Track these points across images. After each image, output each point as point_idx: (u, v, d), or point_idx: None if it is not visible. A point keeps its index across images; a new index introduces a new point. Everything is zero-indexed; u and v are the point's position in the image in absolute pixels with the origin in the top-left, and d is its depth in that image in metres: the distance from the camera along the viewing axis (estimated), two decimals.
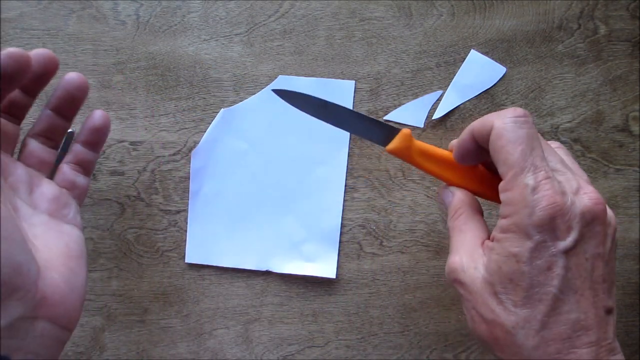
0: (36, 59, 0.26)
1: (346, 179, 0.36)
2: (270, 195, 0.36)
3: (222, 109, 0.36)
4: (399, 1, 0.36)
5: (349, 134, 0.36)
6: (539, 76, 0.36)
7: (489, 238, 0.26)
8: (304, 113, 0.30)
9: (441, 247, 0.36)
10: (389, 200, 0.36)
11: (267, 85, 0.36)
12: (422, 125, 0.36)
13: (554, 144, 0.28)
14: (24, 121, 0.29)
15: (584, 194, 0.24)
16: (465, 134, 0.27)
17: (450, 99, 0.36)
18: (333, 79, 0.36)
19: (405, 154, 0.29)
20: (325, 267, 0.36)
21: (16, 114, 0.28)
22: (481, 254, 0.25)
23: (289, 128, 0.36)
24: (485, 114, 0.35)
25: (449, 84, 0.36)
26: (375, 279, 0.37)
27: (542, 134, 0.36)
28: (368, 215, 0.36)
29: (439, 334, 0.37)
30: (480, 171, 0.29)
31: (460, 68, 0.36)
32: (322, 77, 0.36)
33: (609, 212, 0.25)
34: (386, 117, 0.36)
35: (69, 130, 0.31)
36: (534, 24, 0.36)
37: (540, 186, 0.23)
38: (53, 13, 0.35)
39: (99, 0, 0.35)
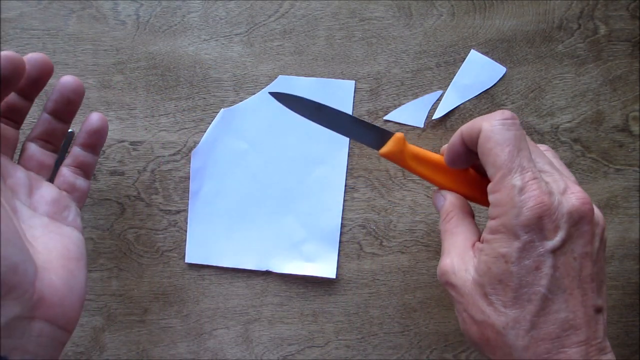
0: (30, 63, 0.26)
1: (346, 179, 0.36)
2: (270, 195, 0.36)
3: (222, 109, 0.36)
4: (399, 1, 0.36)
5: None
6: (539, 76, 0.36)
7: (479, 240, 0.26)
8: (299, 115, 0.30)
9: (441, 247, 0.36)
10: (389, 200, 0.36)
11: (267, 85, 0.36)
12: (422, 125, 0.36)
13: (542, 147, 0.29)
14: (24, 125, 0.29)
15: (571, 194, 0.24)
16: (455, 137, 0.27)
17: (450, 99, 0.36)
18: (333, 79, 0.36)
19: (398, 158, 0.29)
20: (325, 267, 0.36)
21: (14, 117, 0.28)
22: (472, 256, 0.26)
23: (289, 128, 0.36)
24: (486, 114, 0.35)
25: (449, 84, 0.36)
26: (375, 279, 0.37)
27: (542, 134, 0.36)
28: (368, 215, 0.36)
29: (439, 334, 0.37)
30: (471, 175, 0.30)
31: (460, 68, 0.36)
32: (322, 77, 0.36)
33: (597, 211, 0.25)
34: (386, 117, 0.36)
35: (69, 130, 0.31)
36: (534, 24, 0.36)
37: (527, 187, 0.23)
38: (53, 13, 0.35)
39: (99, 0, 0.35)
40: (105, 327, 0.37)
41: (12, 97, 0.27)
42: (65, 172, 0.30)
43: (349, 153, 0.36)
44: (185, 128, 0.36)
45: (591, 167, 0.37)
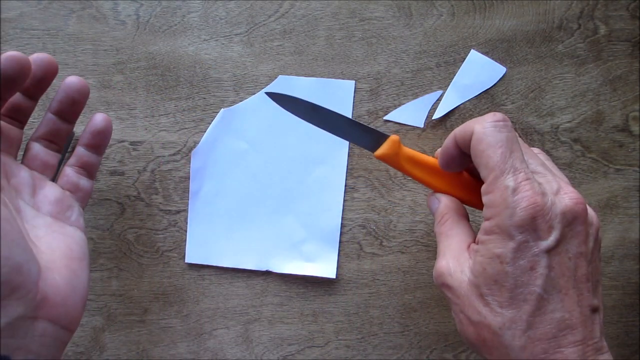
0: (36, 63, 0.26)
1: (346, 179, 0.36)
2: (270, 195, 0.36)
3: (222, 109, 0.36)
4: (399, 1, 0.36)
5: None
6: (539, 76, 0.36)
7: (475, 241, 0.26)
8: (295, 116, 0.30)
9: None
10: (389, 200, 0.36)
11: (267, 85, 0.36)
12: (422, 125, 0.36)
13: (535, 150, 0.29)
14: (28, 125, 0.29)
15: (564, 194, 0.24)
16: (448, 141, 0.28)
17: (450, 99, 0.36)
18: (333, 79, 0.36)
19: (393, 160, 0.29)
20: (325, 267, 0.36)
21: (19, 117, 0.28)
22: (467, 257, 0.26)
23: (289, 128, 0.36)
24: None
25: (449, 84, 0.36)
26: (375, 279, 0.37)
27: (542, 134, 0.36)
28: (368, 215, 0.36)
29: (439, 334, 0.37)
30: (465, 178, 0.30)
31: (460, 68, 0.36)
32: (322, 77, 0.36)
33: (591, 211, 0.25)
34: (386, 117, 0.36)
35: (73, 131, 0.31)
36: (534, 24, 0.36)
37: (520, 187, 0.23)
38: (53, 13, 0.35)
39: (99, 0, 0.35)
40: (105, 327, 0.37)
41: (16, 97, 0.27)
42: (69, 172, 0.30)
43: (349, 153, 0.36)
44: (185, 128, 0.36)
45: (591, 167, 0.37)
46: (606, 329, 0.37)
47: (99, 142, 0.31)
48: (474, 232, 0.28)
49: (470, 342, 0.25)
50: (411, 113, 0.36)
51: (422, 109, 0.36)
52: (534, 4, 0.36)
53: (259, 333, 0.37)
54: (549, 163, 0.28)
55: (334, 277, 0.36)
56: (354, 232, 0.37)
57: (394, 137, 0.29)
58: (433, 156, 0.30)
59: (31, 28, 0.35)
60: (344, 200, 0.36)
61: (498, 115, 0.25)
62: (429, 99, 0.36)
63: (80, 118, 0.31)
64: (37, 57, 0.26)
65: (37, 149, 0.29)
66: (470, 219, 0.29)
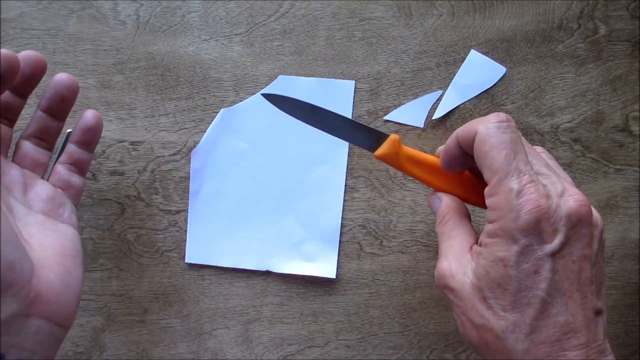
0: (24, 60, 0.26)
1: (346, 179, 0.36)
2: (270, 195, 0.36)
3: (222, 109, 0.36)
4: (399, 1, 0.36)
5: None
6: (539, 76, 0.36)
7: (477, 242, 0.26)
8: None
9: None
10: (389, 200, 0.36)
11: (267, 85, 0.36)
12: (422, 125, 0.36)
13: (538, 149, 0.29)
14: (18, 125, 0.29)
15: (569, 196, 0.24)
16: (450, 140, 0.27)
17: (450, 99, 0.36)
18: (333, 79, 0.36)
19: (394, 160, 0.29)
20: (325, 267, 0.36)
21: (8, 115, 0.28)
22: (469, 259, 0.25)
23: (289, 128, 0.36)
24: (486, 114, 0.35)
25: (449, 84, 0.36)
26: (375, 279, 0.37)
27: (542, 134, 0.36)
28: (368, 215, 0.36)
29: (439, 334, 0.37)
30: (467, 177, 0.29)
31: (460, 68, 0.36)
32: (322, 77, 0.36)
33: (595, 213, 0.25)
34: (386, 117, 0.36)
35: (68, 131, 0.31)
36: (534, 24, 0.36)
37: (524, 190, 0.23)
38: (53, 13, 0.35)
39: (99, 0, 0.35)
40: (105, 327, 0.37)
41: (5, 95, 0.27)
42: (60, 169, 0.30)
43: (349, 153, 0.36)
44: (185, 128, 0.36)
45: (591, 167, 0.37)
46: (607, 330, 0.37)
47: (90, 138, 0.31)
48: (476, 232, 0.27)
49: (473, 344, 0.25)
50: (411, 113, 0.36)
51: (422, 109, 0.36)
52: (534, 4, 0.36)
53: (259, 333, 0.37)
54: (553, 163, 0.28)
55: (334, 277, 0.36)
56: (354, 232, 0.37)
57: (393, 137, 0.29)
58: (434, 154, 0.30)
59: (31, 28, 0.35)
60: (344, 200, 0.36)
61: (502, 116, 0.25)
62: (429, 99, 0.36)
63: (76, 117, 0.31)
64: (25, 55, 0.26)
65: (28, 147, 0.29)
66: (471, 218, 0.29)
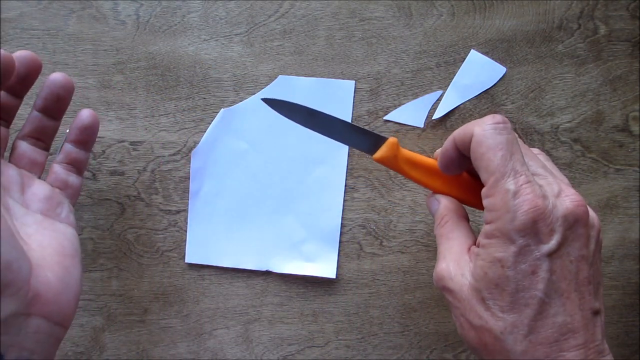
0: (19, 60, 0.26)
1: (346, 179, 0.36)
2: (270, 195, 0.36)
3: (222, 109, 0.36)
4: (399, 1, 0.36)
5: None
6: (539, 76, 0.36)
7: (475, 244, 0.26)
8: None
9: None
10: (389, 200, 0.36)
11: (267, 85, 0.36)
12: (422, 125, 0.36)
13: (535, 150, 0.29)
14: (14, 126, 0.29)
15: (565, 197, 0.24)
16: (447, 143, 0.27)
17: (450, 99, 0.36)
18: (333, 79, 0.36)
19: (392, 163, 0.29)
20: (325, 267, 0.36)
21: (4, 116, 0.28)
22: (467, 260, 0.26)
23: (289, 128, 0.36)
24: (486, 114, 0.35)
25: (449, 84, 0.36)
26: (375, 279, 0.37)
27: (542, 134, 0.36)
28: (368, 215, 0.36)
29: (439, 334, 0.37)
30: (465, 179, 0.29)
31: (460, 68, 0.36)
32: (322, 77, 0.36)
33: (592, 213, 0.25)
34: (386, 117, 0.36)
35: (67, 131, 0.31)
36: (534, 24, 0.36)
37: (521, 190, 0.23)
38: (53, 13, 0.35)
39: (99, 0, 0.35)
40: (105, 327, 0.37)
41: (1, 96, 0.27)
42: (57, 169, 0.30)
43: (349, 153, 0.36)
44: (185, 128, 0.36)
45: (591, 167, 0.37)
46: (606, 329, 0.37)
47: (87, 137, 0.30)
48: (474, 233, 0.27)
49: (472, 345, 0.25)
50: (411, 113, 0.36)
51: (422, 109, 0.36)
52: (534, 4, 0.36)
53: (259, 333, 0.37)
54: (549, 164, 0.28)
55: (334, 277, 0.36)
56: (354, 232, 0.37)
57: (392, 140, 0.29)
58: (432, 156, 0.30)
59: (31, 28, 0.35)
60: (344, 200, 0.36)
61: (498, 117, 0.25)
62: (429, 99, 0.36)
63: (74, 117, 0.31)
64: (20, 55, 0.26)
65: (24, 147, 0.29)
66: (470, 219, 0.29)
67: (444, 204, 0.29)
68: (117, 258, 0.36)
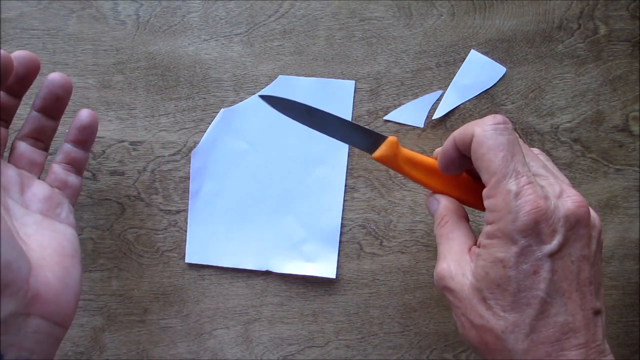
0: (18, 60, 0.26)
1: (346, 179, 0.36)
2: (270, 195, 0.36)
3: (222, 109, 0.36)
4: (399, 1, 0.36)
5: None
6: (539, 76, 0.36)
7: (475, 244, 0.26)
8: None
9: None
10: (389, 200, 0.36)
11: (267, 85, 0.36)
12: (422, 125, 0.36)
13: (535, 150, 0.29)
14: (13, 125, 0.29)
15: (567, 198, 0.24)
16: (447, 143, 0.27)
17: (450, 99, 0.36)
18: (333, 79, 0.36)
19: (392, 162, 0.29)
20: (325, 267, 0.36)
21: (3, 116, 0.28)
22: (468, 260, 0.26)
23: (289, 128, 0.36)
24: (486, 114, 0.35)
25: (449, 84, 0.36)
26: (375, 279, 0.37)
27: (542, 134, 0.36)
28: (368, 215, 0.36)
29: (439, 334, 0.37)
30: (465, 179, 0.29)
31: (460, 68, 0.36)
32: (322, 77, 0.36)
33: (593, 214, 0.25)
34: (386, 117, 0.36)
35: (68, 131, 0.31)
36: (534, 24, 0.36)
37: (522, 191, 0.23)
38: (53, 13, 0.35)
39: (99, 0, 0.35)
40: (105, 327, 0.37)
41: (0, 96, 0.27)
42: (57, 169, 0.30)
43: (349, 153, 0.36)
44: (185, 128, 0.36)
45: (591, 167, 0.37)
46: (606, 329, 0.37)
47: (86, 137, 0.31)
48: (474, 233, 0.27)
49: (473, 345, 0.25)
50: (411, 113, 0.36)
51: (422, 109, 0.36)
52: (534, 4, 0.36)
53: (259, 333, 0.37)
54: (550, 164, 0.28)
55: (334, 277, 0.36)
56: (354, 232, 0.37)
57: (391, 139, 0.29)
58: (432, 156, 0.30)
59: (31, 28, 0.35)
60: (344, 200, 0.36)
61: (498, 118, 0.25)
62: (429, 99, 0.36)
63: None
64: (18, 55, 0.26)
65: (23, 147, 0.29)
66: (470, 219, 0.29)
67: (443, 204, 0.29)
68: (117, 258, 0.36)
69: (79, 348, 0.37)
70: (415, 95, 0.36)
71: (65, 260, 0.27)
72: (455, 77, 0.36)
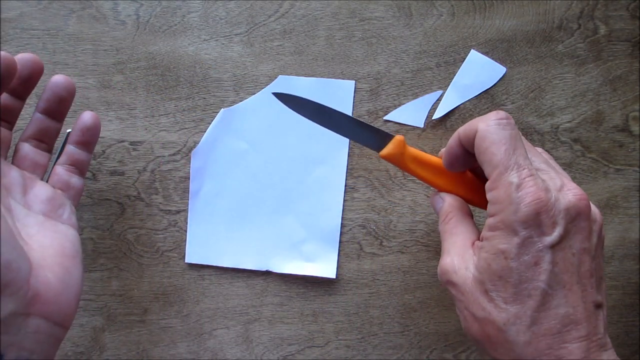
0: (21, 63, 0.27)
1: (346, 179, 0.36)
2: (270, 195, 0.36)
3: (222, 109, 0.36)
4: (399, 1, 0.36)
5: None
6: (539, 76, 0.36)
7: (479, 239, 0.26)
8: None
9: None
10: (389, 200, 0.36)
11: (267, 85, 0.36)
12: (422, 125, 0.36)
13: (538, 149, 0.29)
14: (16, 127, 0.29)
15: (567, 191, 0.24)
16: (452, 140, 0.28)
17: (450, 99, 0.36)
18: (333, 79, 0.36)
19: (399, 160, 0.30)
20: (325, 267, 0.36)
21: (7, 118, 0.28)
22: (471, 254, 0.26)
23: (289, 128, 0.36)
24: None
25: (449, 84, 0.36)
26: (375, 279, 0.37)
27: (542, 134, 0.36)
28: (368, 215, 0.36)
29: (439, 334, 0.37)
30: (469, 178, 0.30)
31: (460, 68, 0.36)
32: (322, 77, 0.36)
33: (594, 208, 0.25)
34: (386, 117, 0.36)
35: (68, 131, 0.31)
36: (534, 24, 0.36)
37: (524, 183, 0.23)
38: (53, 13, 0.35)
39: (99, 0, 0.35)
40: (105, 327, 0.37)
41: (4, 97, 0.28)
42: (60, 170, 0.30)
43: (349, 153, 0.36)
44: (185, 128, 0.36)
45: (591, 167, 0.37)
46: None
47: (89, 139, 0.31)
48: (478, 230, 0.28)
49: (475, 338, 0.25)
50: (411, 113, 0.36)
51: (422, 109, 0.36)
52: (534, 4, 0.36)
53: (259, 333, 0.37)
54: (552, 161, 0.28)
55: (334, 277, 0.36)
56: (354, 232, 0.37)
57: (399, 137, 0.29)
58: (437, 156, 0.31)
59: (31, 28, 0.35)
60: (344, 200, 0.36)
61: (501, 114, 0.25)
62: (429, 99, 0.36)
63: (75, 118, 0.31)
64: (22, 57, 0.27)
65: (27, 149, 0.29)
66: (473, 218, 0.29)
67: (448, 201, 0.29)
68: (117, 258, 0.36)
69: (79, 348, 0.37)
70: (415, 95, 0.36)
71: (66, 260, 0.27)
72: (455, 77, 0.36)
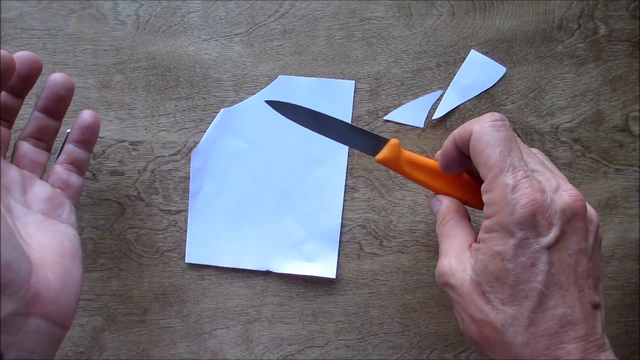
0: (20, 61, 0.27)
1: (346, 179, 0.36)
2: (270, 195, 0.36)
3: (222, 109, 0.36)
4: (399, 1, 0.36)
5: None
6: (539, 76, 0.36)
7: (476, 241, 0.26)
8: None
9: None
10: (389, 200, 0.36)
11: (267, 85, 0.36)
12: (422, 125, 0.36)
13: (533, 150, 0.29)
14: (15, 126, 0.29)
15: (563, 192, 0.24)
16: (447, 142, 0.28)
17: (450, 99, 0.36)
18: (333, 79, 0.36)
19: (394, 164, 0.30)
20: (325, 267, 0.36)
21: (6, 116, 0.28)
22: (469, 256, 0.26)
23: (289, 128, 0.36)
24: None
25: (449, 84, 0.36)
26: (375, 279, 0.37)
27: (542, 134, 0.36)
28: (368, 215, 0.36)
29: (439, 334, 0.37)
30: (465, 179, 0.30)
31: (460, 68, 0.36)
32: (322, 77, 0.36)
33: (590, 209, 0.25)
34: (386, 117, 0.36)
35: (68, 131, 0.31)
36: (534, 24, 0.36)
37: (519, 185, 0.23)
38: (53, 13, 0.35)
39: (99, 0, 0.35)
40: (105, 327, 0.37)
41: (3, 96, 0.28)
42: (59, 169, 0.30)
43: (349, 153, 0.36)
44: (185, 128, 0.36)
45: (591, 167, 0.37)
46: (606, 328, 0.37)
47: (88, 137, 0.31)
48: (475, 232, 0.28)
49: (473, 340, 0.25)
50: (411, 113, 0.36)
51: (422, 109, 0.36)
52: (534, 4, 0.36)
53: (259, 333, 0.37)
54: (548, 162, 0.28)
55: (334, 277, 0.36)
56: (354, 232, 0.37)
57: (393, 141, 0.29)
58: (433, 158, 0.31)
59: (31, 28, 0.35)
60: (344, 200, 0.36)
61: (496, 115, 0.25)
62: (429, 99, 0.36)
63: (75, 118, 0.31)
64: (20, 56, 0.27)
65: (26, 148, 0.29)
66: (471, 219, 0.29)
67: (445, 203, 0.29)
68: (117, 258, 0.36)
69: (79, 348, 0.37)
70: (415, 95, 0.36)
71: (66, 260, 0.27)
72: (455, 77, 0.36)
